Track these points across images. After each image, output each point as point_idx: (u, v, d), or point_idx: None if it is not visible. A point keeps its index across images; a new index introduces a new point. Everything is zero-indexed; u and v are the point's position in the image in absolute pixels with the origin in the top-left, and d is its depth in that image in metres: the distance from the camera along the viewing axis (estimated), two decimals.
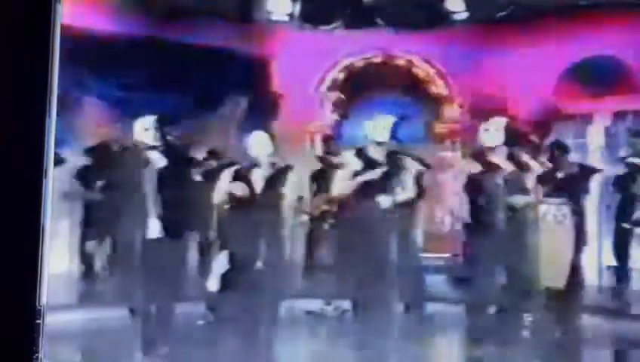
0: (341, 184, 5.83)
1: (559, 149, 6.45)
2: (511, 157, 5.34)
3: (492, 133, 5.33)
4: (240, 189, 5.52)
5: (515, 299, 5.31)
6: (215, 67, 8.52)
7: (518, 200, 5.31)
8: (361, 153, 5.80)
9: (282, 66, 9.26)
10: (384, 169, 5.65)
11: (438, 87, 9.66)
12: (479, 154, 5.37)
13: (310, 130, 9.52)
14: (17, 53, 3.81)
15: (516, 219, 5.30)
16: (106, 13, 7.92)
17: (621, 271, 7.06)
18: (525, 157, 5.47)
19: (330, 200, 6.88)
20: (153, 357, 5.24)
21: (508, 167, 5.29)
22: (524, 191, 5.36)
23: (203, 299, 6.35)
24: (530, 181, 5.42)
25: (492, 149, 5.29)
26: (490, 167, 5.26)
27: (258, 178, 5.57)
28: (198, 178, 6.04)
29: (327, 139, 8.83)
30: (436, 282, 7.53)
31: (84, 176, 6.80)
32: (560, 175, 6.30)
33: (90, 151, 6.98)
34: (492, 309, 5.71)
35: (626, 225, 6.96)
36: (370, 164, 5.70)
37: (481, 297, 5.56)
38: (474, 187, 5.31)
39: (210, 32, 8.72)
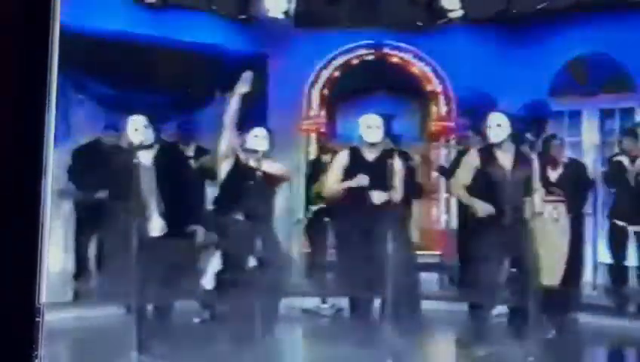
0: (331, 185, 5.78)
1: (555, 143, 6.45)
2: (517, 154, 5.31)
3: (496, 128, 5.28)
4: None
5: (514, 297, 5.30)
6: (210, 64, 8.51)
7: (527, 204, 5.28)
8: (354, 152, 5.74)
9: (277, 64, 9.26)
10: (369, 178, 5.57)
11: (433, 85, 9.67)
12: (485, 151, 5.33)
13: (304, 128, 9.53)
14: (15, 51, 3.78)
15: (521, 218, 5.27)
16: (100, 11, 7.89)
17: (616, 270, 7.07)
18: (531, 154, 5.44)
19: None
20: (149, 355, 5.22)
21: (512, 163, 5.26)
22: (530, 189, 5.32)
23: (199, 296, 6.35)
24: (535, 178, 5.38)
25: (498, 145, 5.25)
26: (496, 164, 5.23)
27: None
28: (191, 175, 6.01)
29: (321, 137, 8.86)
30: (430, 280, 7.56)
31: (77, 174, 6.75)
32: (557, 173, 6.32)
33: (82, 149, 6.94)
34: (496, 311, 5.68)
35: (619, 223, 6.97)
36: (362, 164, 5.65)
37: (480, 296, 5.54)
38: (480, 183, 5.27)
39: (206, 30, 8.72)
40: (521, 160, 5.29)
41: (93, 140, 7.02)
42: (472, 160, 5.34)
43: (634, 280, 7.22)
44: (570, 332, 6.06)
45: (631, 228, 6.95)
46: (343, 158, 5.75)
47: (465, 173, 5.36)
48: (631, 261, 7.09)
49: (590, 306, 6.55)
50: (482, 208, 5.17)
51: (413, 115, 9.77)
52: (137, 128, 5.31)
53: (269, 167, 5.39)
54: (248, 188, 5.26)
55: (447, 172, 7.48)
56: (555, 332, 5.96)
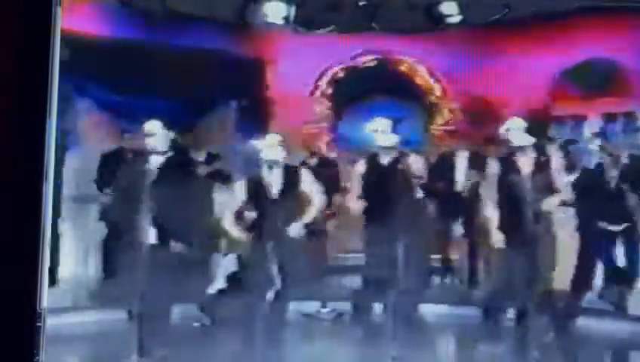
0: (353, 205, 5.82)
1: (571, 148, 6.45)
2: (538, 158, 5.35)
3: (516, 132, 5.32)
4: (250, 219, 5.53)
5: (527, 300, 5.33)
6: (211, 70, 8.52)
7: (549, 203, 5.29)
8: (370, 159, 5.77)
9: (278, 69, 9.28)
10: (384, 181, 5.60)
11: (433, 90, 9.69)
12: (507, 154, 5.38)
13: (306, 133, 9.54)
14: (18, 56, 3.81)
15: (542, 220, 5.30)
16: (102, 16, 7.92)
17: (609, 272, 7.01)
18: (552, 158, 5.49)
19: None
20: (149, 359, 5.24)
21: (532, 167, 5.30)
22: (551, 191, 5.35)
23: (199, 301, 6.37)
24: (557, 181, 5.40)
25: (520, 149, 5.30)
26: (516, 167, 5.27)
27: (274, 182, 5.55)
28: (198, 180, 6.03)
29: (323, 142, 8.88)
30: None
31: (98, 179, 6.80)
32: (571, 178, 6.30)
33: (105, 156, 6.98)
34: (510, 313, 5.70)
35: (603, 225, 6.90)
36: (377, 169, 5.69)
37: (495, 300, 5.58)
38: (503, 187, 5.30)
39: (206, 35, 8.73)
40: (541, 164, 5.32)
41: (118, 147, 7.06)
42: (493, 170, 5.38)
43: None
44: (570, 335, 6.06)
45: (613, 228, 6.87)
46: (360, 168, 5.79)
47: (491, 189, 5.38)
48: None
49: (591, 310, 6.54)
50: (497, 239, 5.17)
51: (416, 120, 9.78)
52: (151, 133, 5.32)
53: (311, 188, 5.46)
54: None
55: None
56: (554, 335, 5.96)
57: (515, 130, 5.31)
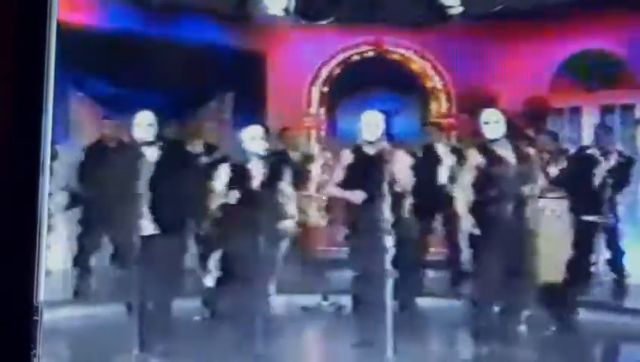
0: (330, 187, 5.77)
1: (550, 138, 6.41)
2: (515, 149, 5.27)
3: (492, 125, 5.23)
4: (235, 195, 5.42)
5: (515, 294, 5.28)
6: (209, 62, 8.50)
7: (527, 189, 5.23)
8: (357, 151, 5.68)
9: (277, 61, 9.26)
10: (364, 195, 5.51)
11: (433, 82, 9.67)
12: (483, 147, 5.28)
13: (304, 125, 9.54)
14: (13, 47, 3.77)
15: (521, 211, 5.23)
16: (98, 9, 7.89)
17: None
18: (528, 149, 5.42)
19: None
20: (150, 353, 5.21)
21: (512, 159, 5.23)
22: (531, 182, 5.29)
23: (199, 294, 6.35)
24: (535, 172, 5.35)
25: (495, 141, 5.21)
26: (496, 160, 5.19)
27: (257, 172, 5.49)
28: (196, 172, 5.99)
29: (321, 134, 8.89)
30: (434, 278, 7.54)
31: (81, 173, 6.78)
32: (559, 168, 6.27)
33: (88, 148, 6.96)
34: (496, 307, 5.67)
35: (588, 218, 6.80)
36: (365, 162, 5.60)
37: (481, 293, 5.52)
38: (481, 180, 5.23)
39: (205, 27, 8.71)
40: (521, 156, 5.26)
41: (98, 139, 7.04)
42: (474, 160, 5.31)
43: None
44: (570, 328, 6.04)
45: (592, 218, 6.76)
46: (346, 157, 5.71)
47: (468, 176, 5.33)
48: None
49: (590, 303, 6.52)
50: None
51: (414, 111, 9.76)
52: (144, 124, 5.25)
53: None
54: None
55: None
56: (555, 328, 5.94)
57: (492, 123, 5.23)
